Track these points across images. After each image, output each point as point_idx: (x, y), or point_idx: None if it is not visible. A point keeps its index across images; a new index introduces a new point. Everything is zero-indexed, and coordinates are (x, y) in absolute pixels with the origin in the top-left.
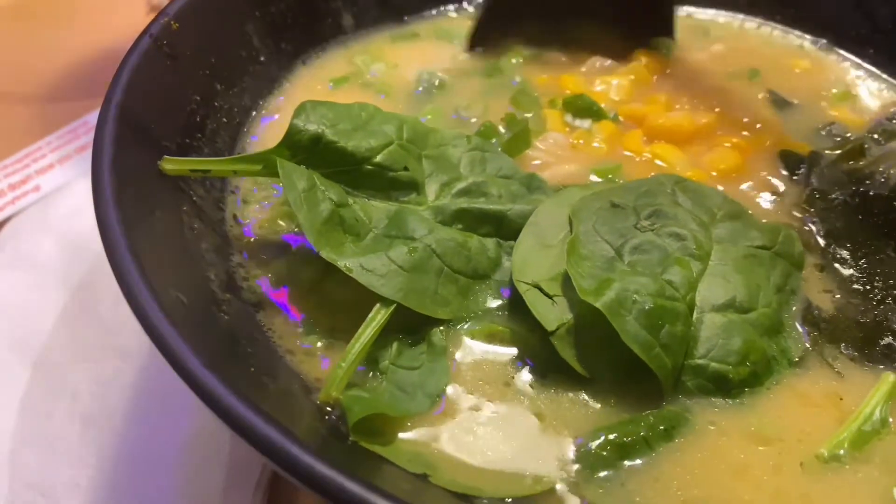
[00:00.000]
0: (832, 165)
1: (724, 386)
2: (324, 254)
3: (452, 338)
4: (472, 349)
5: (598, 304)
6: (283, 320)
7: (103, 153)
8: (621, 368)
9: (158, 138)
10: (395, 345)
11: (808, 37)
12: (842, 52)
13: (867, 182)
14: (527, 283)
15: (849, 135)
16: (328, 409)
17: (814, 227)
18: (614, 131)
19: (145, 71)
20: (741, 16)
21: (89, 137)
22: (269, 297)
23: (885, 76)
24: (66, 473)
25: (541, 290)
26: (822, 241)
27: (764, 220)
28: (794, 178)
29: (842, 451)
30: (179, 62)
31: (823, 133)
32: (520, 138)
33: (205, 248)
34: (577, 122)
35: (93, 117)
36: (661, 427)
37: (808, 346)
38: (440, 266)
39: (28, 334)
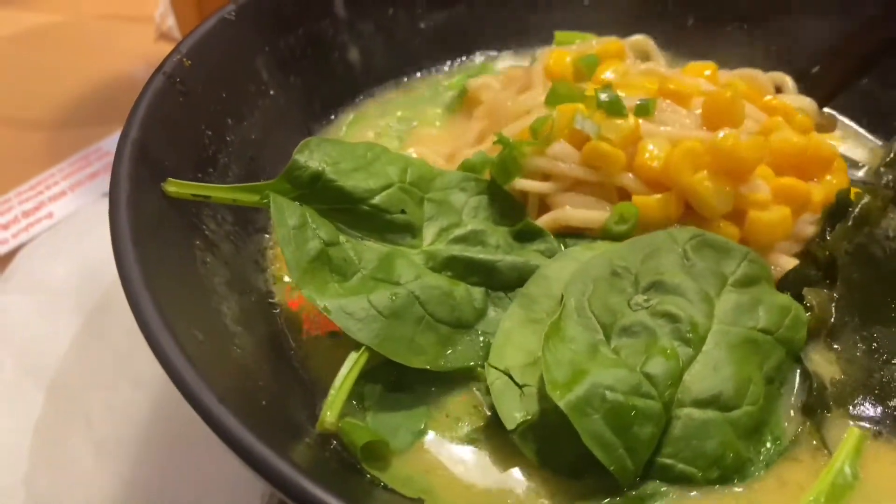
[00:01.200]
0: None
1: (688, 484)
2: (305, 293)
3: (436, 377)
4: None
5: (561, 403)
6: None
7: (120, 191)
8: (584, 464)
9: (173, 173)
10: (379, 385)
11: None
12: None
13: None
14: (498, 371)
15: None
16: (332, 439)
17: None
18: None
19: (159, 108)
20: None
21: (101, 164)
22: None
23: None
24: (80, 498)
25: (512, 378)
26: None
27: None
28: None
29: None
30: (192, 98)
31: None
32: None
33: (217, 281)
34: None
35: (105, 143)
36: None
37: (799, 429)
38: (421, 314)
39: (42, 359)
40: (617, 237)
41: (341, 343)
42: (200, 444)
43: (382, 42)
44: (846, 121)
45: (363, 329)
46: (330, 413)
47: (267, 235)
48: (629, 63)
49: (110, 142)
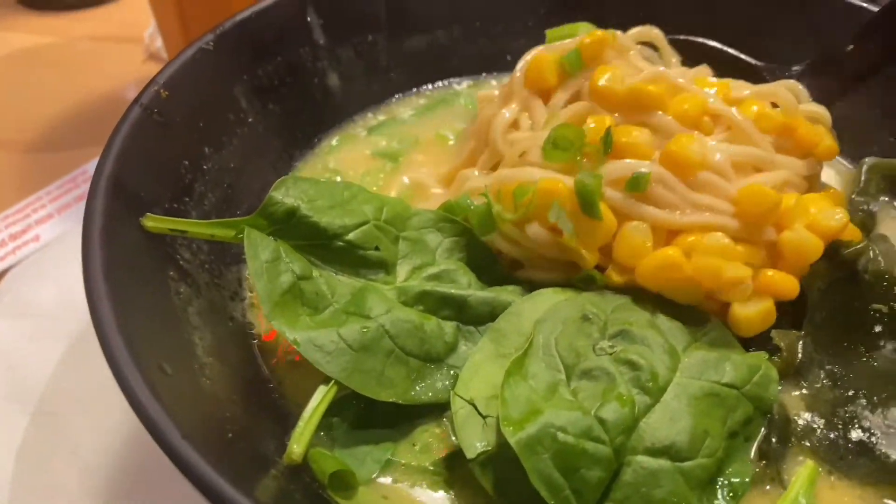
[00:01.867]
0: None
1: None
2: (275, 325)
3: (405, 407)
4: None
5: (512, 441)
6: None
7: (93, 227)
8: (539, 500)
9: (148, 204)
10: (348, 415)
11: None
12: None
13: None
14: (463, 400)
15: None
16: (300, 469)
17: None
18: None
19: (136, 140)
20: None
21: (88, 186)
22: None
23: None
24: None
25: (476, 408)
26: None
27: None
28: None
29: None
30: (169, 129)
31: None
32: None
33: (191, 311)
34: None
35: (91, 166)
36: None
37: (757, 469)
38: (391, 347)
39: (27, 383)
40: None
41: (316, 371)
42: None
43: (363, 68)
44: None
45: (332, 362)
46: (297, 445)
47: (245, 265)
48: (634, 58)
49: (94, 164)
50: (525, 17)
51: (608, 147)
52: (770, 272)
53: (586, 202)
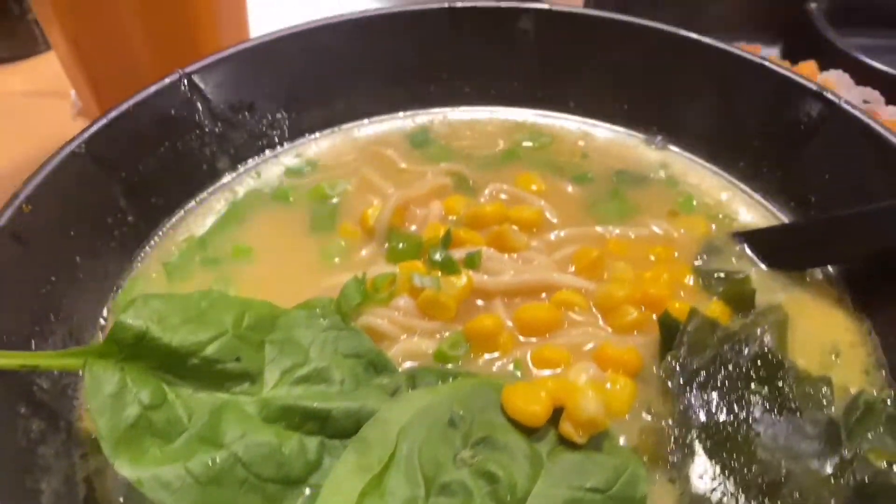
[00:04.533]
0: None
1: None
2: (116, 465)
3: None
4: None
5: None
6: None
7: None
8: None
9: (3, 334)
10: None
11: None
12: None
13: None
14: None
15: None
16: None
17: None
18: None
19: None
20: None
21: None
22: None
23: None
24: None
25: None
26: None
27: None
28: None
29: None
30: (31, 246)
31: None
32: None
33: (42, 452)
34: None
35: None
36: None
37: None
38: (244, 476)
39: None
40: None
41: None
42: None
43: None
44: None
45: (179, 500)
46: None
47: None
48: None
49: None
50: None
51: (447, 243)
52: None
53: (446, 264)
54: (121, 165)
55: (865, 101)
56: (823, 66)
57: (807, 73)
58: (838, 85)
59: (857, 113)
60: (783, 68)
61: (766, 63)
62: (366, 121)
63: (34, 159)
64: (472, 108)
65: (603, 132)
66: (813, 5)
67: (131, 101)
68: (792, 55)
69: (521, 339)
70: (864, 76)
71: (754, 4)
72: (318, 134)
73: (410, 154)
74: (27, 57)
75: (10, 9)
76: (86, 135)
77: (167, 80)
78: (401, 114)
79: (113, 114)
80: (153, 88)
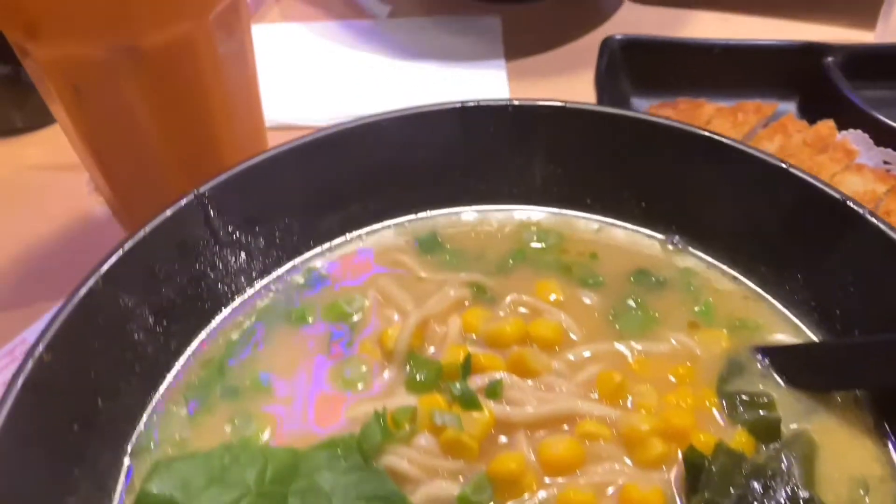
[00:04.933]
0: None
1: None
2: None
3: None
4: None
5: None
6: None
7: None
8: None
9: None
10: None
11: None
12: None
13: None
14: None
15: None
16: None
17: None
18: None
19: (12, 428)
20: None
21: None
22: None
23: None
24: None
25: None
26: None
27: None
28: None
29: None
30: (53, 396)
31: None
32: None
33: None
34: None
35: (32, 332)
36: None
37: None
38: None
39: None
40: None
41: None
42: None
43: (270, 257)
44: None
45: None
46: None
47: None
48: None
49: (33, 331)
50: None
51: (467, 372)
52: None
53: (466, 399)
54: (138, 298)
55: (886, 163)
56: (841, 124)
57: (825, 132)
58: (856, 143)
59: (883, 227)
60: (804, 172)
61: (786, 166)
62: (377, 225)
63: (53, 244)
64: (483, 208)
65: (617, 231)
66: (829, 59)
67: (147, 228)
68: (809, 112)
69: (547, 479)
70: (883, 134)
71: (769, 59)
72: (332, 243)
73: (424, 260)
74: (41, 126)
75: (22, 77)
76: (102, 270)
77: (182, 202)
78: (411, 216)
79: (128, 244)
80: (168, 212)
